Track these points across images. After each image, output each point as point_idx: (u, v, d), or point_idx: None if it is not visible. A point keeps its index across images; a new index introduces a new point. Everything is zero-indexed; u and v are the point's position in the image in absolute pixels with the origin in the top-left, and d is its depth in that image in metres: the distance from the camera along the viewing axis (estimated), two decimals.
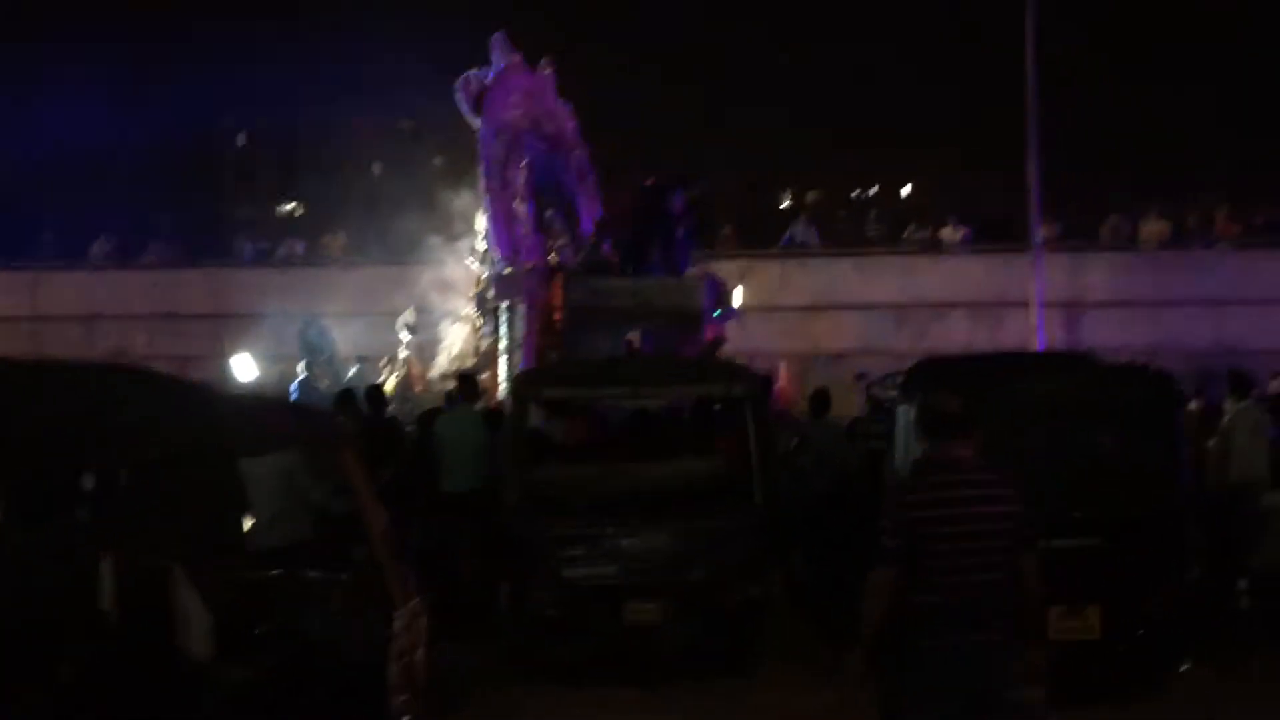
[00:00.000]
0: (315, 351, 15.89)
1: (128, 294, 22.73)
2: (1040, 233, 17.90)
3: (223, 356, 16.61)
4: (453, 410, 9.39)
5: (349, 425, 3.67)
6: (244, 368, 15.59)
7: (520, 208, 13.62)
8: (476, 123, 13.77)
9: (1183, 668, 6.49)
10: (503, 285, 12.99)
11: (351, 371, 15.54)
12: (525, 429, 7.11)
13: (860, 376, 9.36)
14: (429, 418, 10.07)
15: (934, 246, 21.28)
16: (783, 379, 14.00)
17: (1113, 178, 23.57)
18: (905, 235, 21.68)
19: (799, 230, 22.06)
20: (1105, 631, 6.25)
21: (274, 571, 4.15)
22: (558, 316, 12.83)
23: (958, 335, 20.57)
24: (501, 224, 13.39)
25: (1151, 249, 20.77)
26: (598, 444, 7.96)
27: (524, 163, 13.78)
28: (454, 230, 16.56)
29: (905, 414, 7.19)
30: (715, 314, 13.84)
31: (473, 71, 13.77)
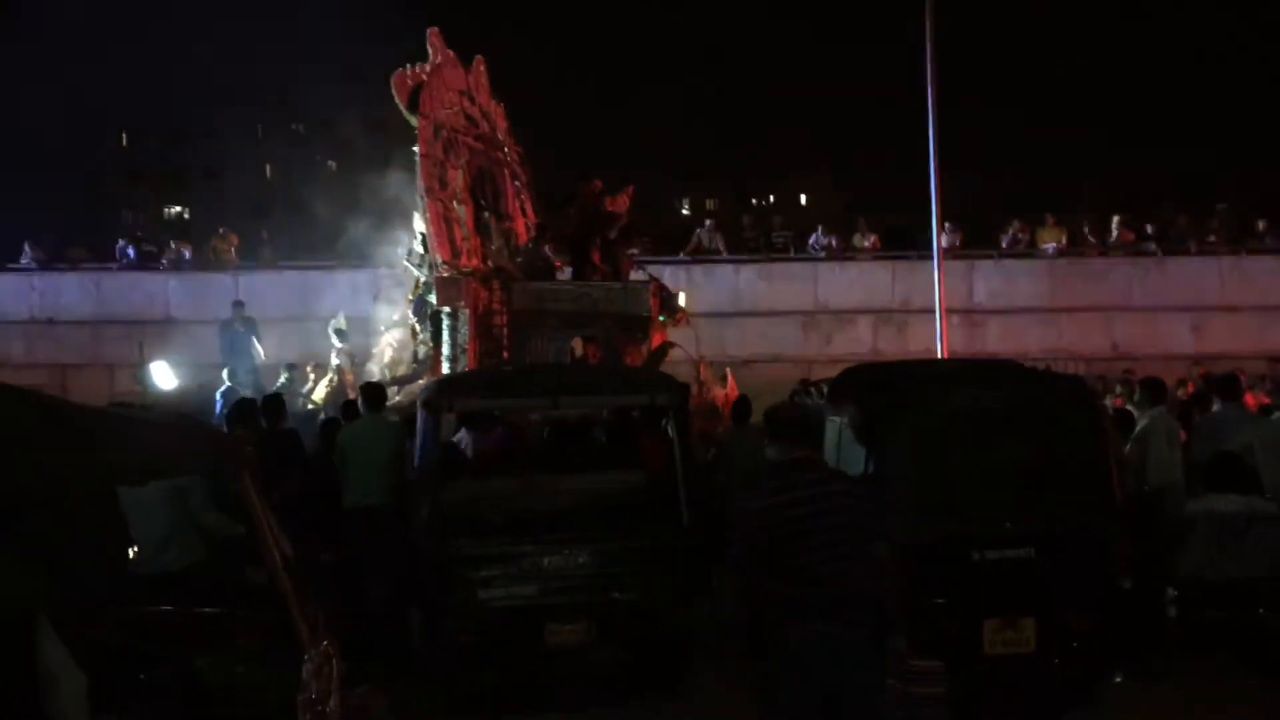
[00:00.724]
0: (237, 354, 15.21)
1: (2, 298, 21.56)
2: (942, 240, 18.04)
3: (139, 363, 15.85)
4: (356, 420, 8.90)
5: (246, 445, 3.26)
6: (162, 375, 14.82)
7: (459, 209, 13.16)
8: (413, 120, 13.25)
9: (1115, 680, 6.40)
10: (445, 289, 12.46)
11: (281, 379, 14.88)
12: (437, 441, 6.67)
13: (804, 384, 9.14)
14: (330, 428, 9.58)
15: (840, 253, 21.39)
16: (731, 387, 13.80)
17: (1011, 187, 24.05)
18: (812, 241, 21.72)
19: (704, 235, 21.97)
20: (1040, 644, 6.11)
21: (162, 607, 3.68)
22: (499, 321, 12.38)
23: (864, 341, 20.76)
24: (441, 225, 12.86)
25: (1048, 256, 21.23)
26: (515, 457, 7.56)
27: (461, 162, 13.33)
28: (377, 233, 16.08)
29: (834, 423, 6.99)
30: (669, 318, 13.62)
31: (407, 67, 13.25)
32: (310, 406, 14.33)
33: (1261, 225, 21.04)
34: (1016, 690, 6.38)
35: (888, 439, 6.38)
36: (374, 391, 8.75)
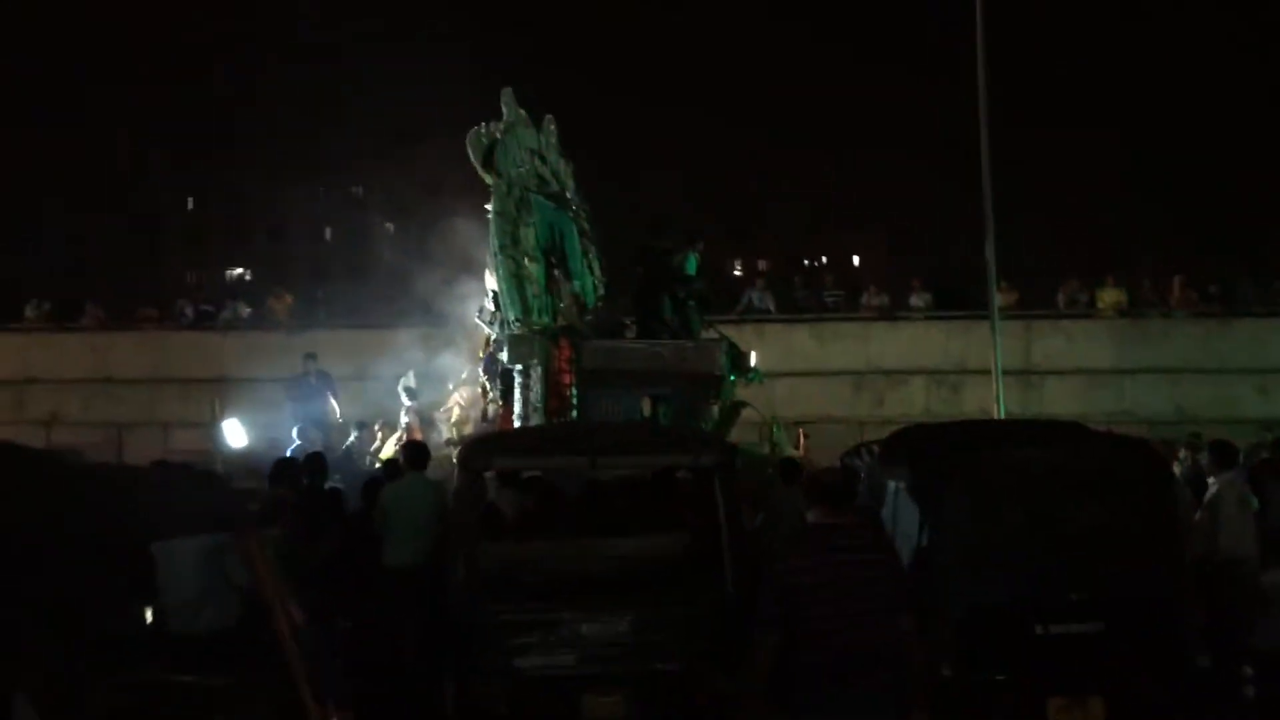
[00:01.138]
0: (308, 410, 15.15)
1: (62, 357, 21.88)
2: (998, 299, 17.71)
3: (213, 421, 15.90)
4: (399, 479, 8.78)
5: (249, 505, 3.14)
6: (234, 433, 14.84)
7: (531, 267, 13.14)
8: (488, 178, 13.33)
9: None
10: (517, 347, 12.37)
11: (352, 437, 14.81)
12: (474, 502, 6.49)
13: (858, 446, 8.88)
14: (373, 487, 9.47)
15: (891, 313, 21.10)
16: (803, 448, 13.53)
17: (1069, 247, 23.63)
18: (864, 301, 21.46)
19: (755, 296, 21.82)
20: None
21: (176, 674, 3.52)
22: (567, 380, 12.28)
23: (916, 402, 20.34)
24: (513, 283, 12.83)
25: (1108, 316, 20.76)
26: (554, 518, 7.35)
27: (533, 220, 13.34)
28: (438, 292, 16.16)
29: (890, 487, 6.72)
30: (741, 377, 13.45)
31: (482, 125, 13.40)
32: (378, 465, 14.29)
33: None
34: None
35: (943, 501, 6.09)
36: (416, 450, 8.63)
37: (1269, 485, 9.29)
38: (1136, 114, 23.87)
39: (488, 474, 6.50)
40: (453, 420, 15.02)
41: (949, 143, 20.61)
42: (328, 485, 9.82)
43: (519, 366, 12.26)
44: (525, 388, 12.27)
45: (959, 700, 5.83)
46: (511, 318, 12.59)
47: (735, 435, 13.28)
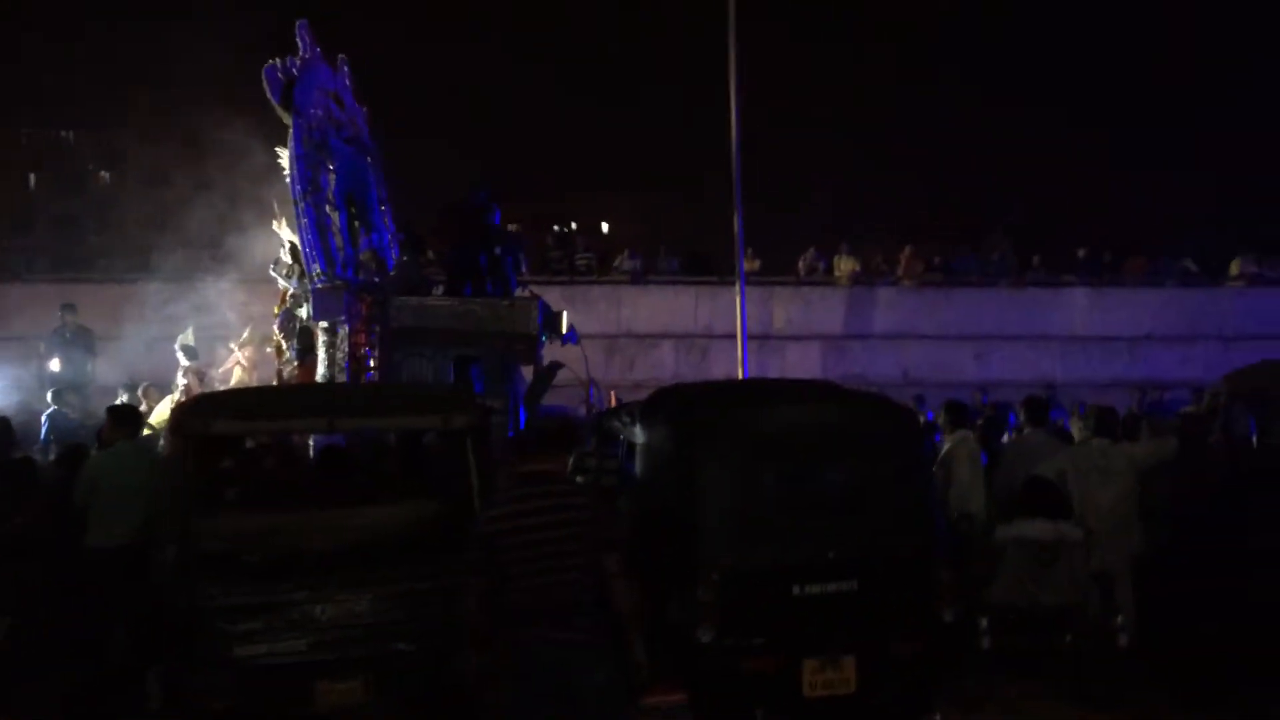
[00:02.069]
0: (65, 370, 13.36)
1: None
2: (743, 266, 18.07)
3: None
4: (107, 448, 7.74)
5: None
6: None
7: (332, 215, 12.04)
8: (286, 118, 12.07)
9: (934, 717, 6.09)
10: (323, 302, 11.27)
11: (122, 400, 13.14)
12: (189, 471, 5.71)
13: (616, 408, 8.56)
14: (74, 456, 8.36)
15: (642, 278, 21.16)
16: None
17: (809, 217, 24.50)
18: (616, 264, 21.42)
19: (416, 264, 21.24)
20: (861, 684, 5.73)
21: None
22: (362, 340, 11.26)
23: (666, 365, 20.54)
24: (315, 234, 11.70)
25: (843, 284, 21.68)
26: (287, 488, 6.63)
27: (332, 166, 12.21)
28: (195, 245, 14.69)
29: (648, 448, 6.46)
30: (556, 338, 12.76)
31: (277, 60, 12.05)
32: (147, 432, 12.83)
33: (1036, 260, 22.17)
34: None
35: (702, 462, 5.89)
36: (125, 414, 7.62)
37: (995, 444, 9.79)
38: (876, 91, 25.06)
39: (206, 439, 5.72)
40: (233, 382, 13.76)
41: (701, 114, 20.85)
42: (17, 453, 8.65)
43: (324, 324, 11.31)
44: (331, 346, 11.34)
45: (717, 665, 5.68)
46: (316, 271, 11.58)
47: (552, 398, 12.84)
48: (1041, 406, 8.81)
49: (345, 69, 13.42)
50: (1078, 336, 21.29)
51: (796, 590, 5.75)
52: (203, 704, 5.41)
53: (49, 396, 12.18)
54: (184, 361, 13.88)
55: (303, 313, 11.91)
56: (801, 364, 20.39)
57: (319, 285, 11.55)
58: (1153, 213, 24.43)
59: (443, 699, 5.93)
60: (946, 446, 8.56)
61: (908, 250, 22.07)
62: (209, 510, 5.88)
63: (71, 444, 9.10)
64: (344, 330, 11.26)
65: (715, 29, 17.40)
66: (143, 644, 6.06)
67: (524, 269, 13.76)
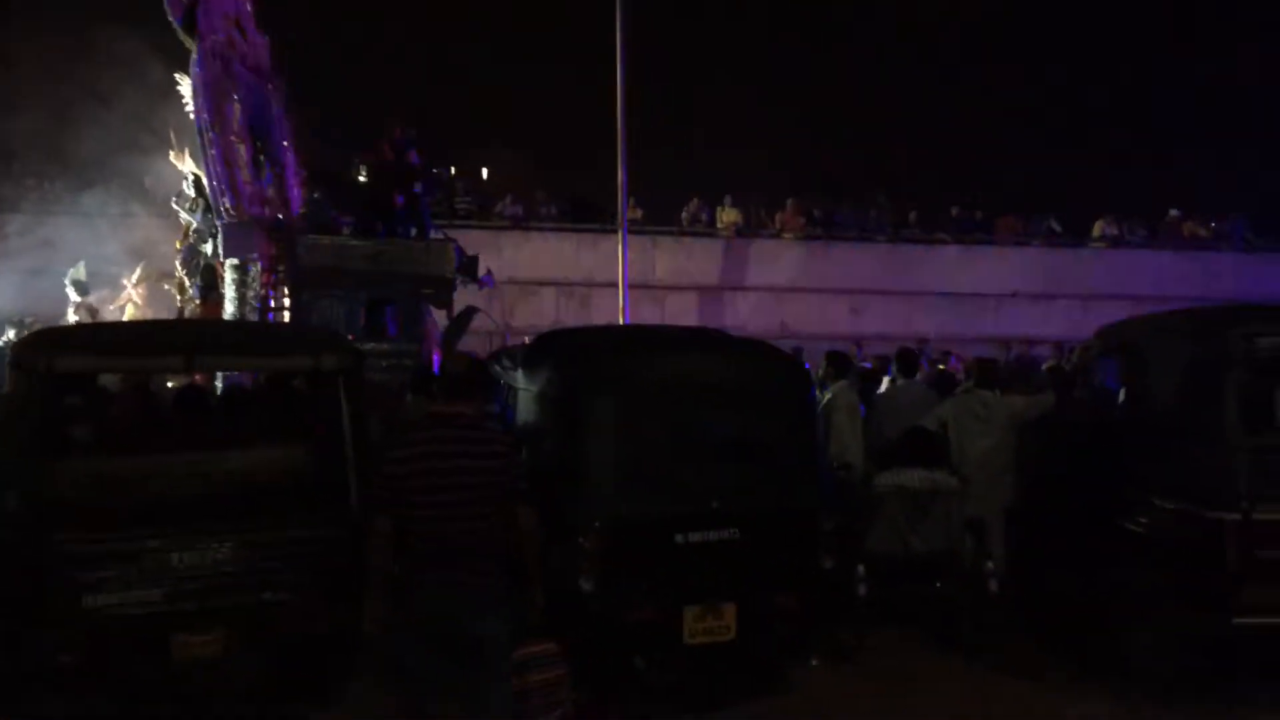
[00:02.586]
0: None
1: None
2: (625, 214, 17.91)
3: None
4: None
5: None
6: None
7: (240, 148, 11.27)
8: (190, 42, 11.27)
9: (812, 664, 6.13)
10: (234, 238, 10.73)
11: (6, 337, 12.09)
12: (32, 411, 5.27)
13: (495, 353, 8.31)
14: None
15: (524, 223, 20.79)
16: None
17: (693, 166, 24.41)
18: (498, 210, 20.97)
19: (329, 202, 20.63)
20: (741, 632, 5.71)
21: None
22: (268, 279, 10.63)
23: (546, 313, 20.29)
24: (223, 166, 11.00)
25: (725, 235, 21.72)
26: (141, 431, 6.22)
27: (237, 96, 11.43)
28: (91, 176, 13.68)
29: (528, 394, 6.27)
30: (471, 282, 12.29)
31: None
32: None
33: (913, 216, 22.58)
34: (713, 680, 5.97)
35: (587, 411, 5.74)
36: None
37: (872, 393, 9.89)
38: (764, 41, 24.98)
39: (51, 376, 5.29)
40: (126, 319, 12.93)
41: (588, 59, 20.43)
42: None
43: (233, 261, 10.75)
44: (241, 285, 10.82)
45: (599, 614, 5.58)
46: (225, 205, 10.94)
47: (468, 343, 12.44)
48: (913, 358, 8.93)
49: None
50: (949, 293, 21.82)
51: (679, 539, 5.67)
52: (49, 659, 5.05)
53: None
54: (74, 297, 13.12)
55: (207, 249, 11.37)
56: (682, 314, 20.40)
57: (227, 221, 10.95)
58: (1025, 173, 25.11)
59: (313, 652, 5.70)
60: (827, 397, 8.59)
61: (790, 203, 22.21)
62: (55, 453, 5.46)
63: None
64: (255, 268, 10.78)
65: None
66: None
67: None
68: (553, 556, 5.66)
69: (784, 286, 21.58)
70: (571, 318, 19.68)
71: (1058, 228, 22.91)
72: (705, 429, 5.77)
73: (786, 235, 21.91)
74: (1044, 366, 12.41)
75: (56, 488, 5.30)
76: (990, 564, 6.91)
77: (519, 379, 6.37)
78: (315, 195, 12.33)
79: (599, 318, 19.04)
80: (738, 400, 5.87)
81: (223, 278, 11.38)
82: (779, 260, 21.76)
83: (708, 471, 5.74)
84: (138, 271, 13.74)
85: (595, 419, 5.68)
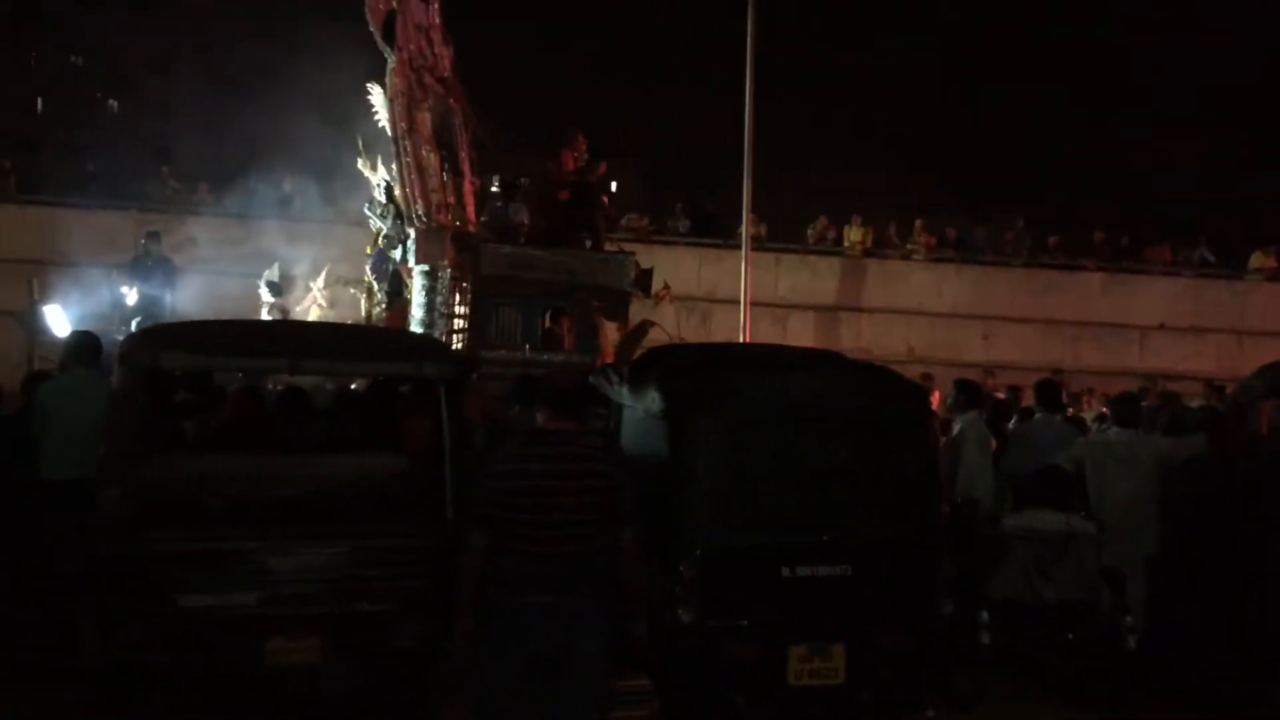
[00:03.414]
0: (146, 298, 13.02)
1: None
2: (749, 231, 17.61)
3: (33, 304, 13.37)
4: (62, 376, 7.31)
5: None
6: (57, 321, 12.54)
7: (431, 157, 11.58)
8: (388, 52, 11.64)
9: (928, 714, 5.71)
10: (426, 245, 11.02)
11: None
12: (136, 404, 5.28)
13: (605, 368, 8.16)
14: (33, 384, 7.93)
15: (648, 236, 20.63)
16: None
17: (820, 184, 23.95)
18: (624, 222, 20.89)
19: (513, 211, 20.81)
20: (850, 675, 5.33)
21: None
22: (465, 286, 10.94)
23: (666, 326, 20.08)
24: (416, 174, 11.35)
25: (853, 255, 21.18)
26: (243, 431, 6.20)
27: (427, 105, 11.75)
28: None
29: (634, 411, 6.03)
30: (647, 296, 12.47)
31: None
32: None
33: (1053, 241, 21.63)
34: None
35: (693, 431, 5.46)
36: (85, 341, 7.17)
37: (1003, 427, 9.35)
38: (900, 59, 24.41)
39: (157, 373, 5.29)
40: (316, 320, 13.39)
41: (714, 75, 20.27)
42: None
43: (424, 267, 11.02)
44: (431, 290, 11.10)
45: (697, 648, 5.29)
46: (419, 211, 11.21)
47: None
48: (1055, 391, 8.38)
49: (436, 6, 12.87)
50: (1089, 323, 20.81)
51: (786, 572, 5.34)
52: (141, 656, 5.02)
53: (133, 328, 11.69)
54: (268, 298, 13.52)
55: (396, 255, 11.58)
56: (803, 334, 19.93)
57: (420, 227, 11.14)
58: (1176, 199, 23.83)
59: (402, 664, 5.56)
60: (956, 428, 8.13)
61: (919, 223, 21.55)
62: (157, 449, 5.46)
63: (35, 371, 8.68)
64: (445, 275, 10.92)
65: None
66: (84, 587, 5.65)
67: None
68: (650, 585, 5.40)
69: (912, 309, 20.90)
70: (691, 334, 19.39)
71: (1211, 257, 21.62)
72: (819, 456, 5.42)
73: (917, 256, 21.24)
74: (1204, 405, 11.61)
75: (157, 485, 5.28)
76: (1129, 618, 6.37)
77: (625, 395, 6.14)
78: (496, 204, 12.48)
79: (719, 335, 18.73)
80: (854, 427, 5.51)
81: (407, 284, 11.63)
82: (907, 282, 21.09)
83: (820, 501, 5.40)
84: (323, 275, 14.11)
85: (701, 440, 5.39)
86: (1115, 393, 10.96)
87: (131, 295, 13.52)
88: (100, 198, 19.17)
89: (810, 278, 20.93)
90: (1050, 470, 6.76)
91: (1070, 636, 6.53)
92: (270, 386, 7.20)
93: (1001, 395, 11.07)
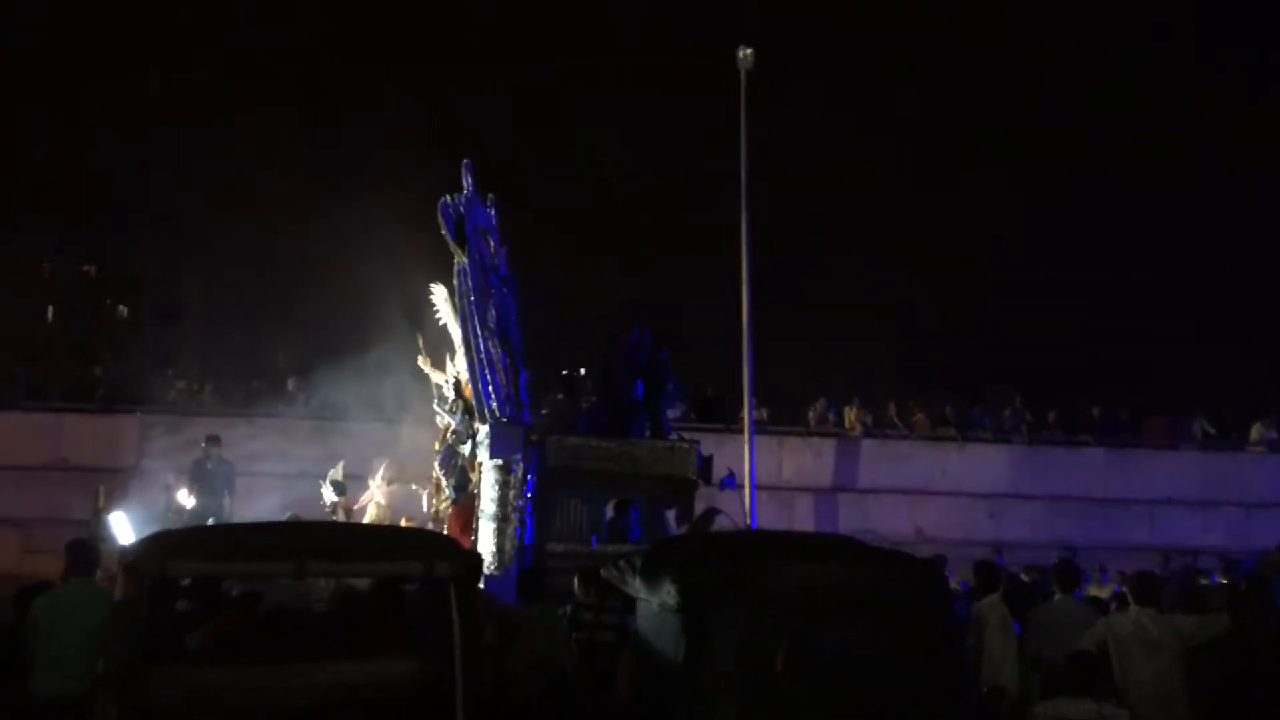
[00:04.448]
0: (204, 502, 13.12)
1: None
2: (752, 414, 17.67)
3: (99, 512, 13.46)
4: (57, 586, 7.15)
5: None
6: (121, 527, 12.50)
7: (497, 352, 11.82)
8: (459, 253, 11.98)
9: None
10: (501, 439, 11.07)
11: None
12: (138, 615, 5.14)
13: (615, 561, 8.08)
14: (27, 597, 7.74)
15: None
16: None
17: (817, 366, 24.23)
18: None
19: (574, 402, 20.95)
20: None
21: None
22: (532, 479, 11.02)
23: (733, 514, 19.82)
24: (490, 370, 11.52)
25: (854, 436, 21.20)
26: (250, 638, 6.02)
27: (492, 302, 12.05)
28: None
29: (647, 604, 5.88)
30: (721, 484, 12.55)
31: (449, 196, 12.10)
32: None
33: (1051, 417, 21.71)
34: None
35: (708, 625, 5.31)
36: (80, 550, 7.04)
37: (1025, 609, 9.12)
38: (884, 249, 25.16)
39: (160, 581, 5.18)
40: (368, 519, 13.33)
41: (709, 261, 20.83)
42: None
43: (497, 462, 11.06)
44: (504, 485, 11.07)
45: None
46: (494, 407, 11.36)
47: None
48: (1074, 571, 8.22)
49: (493, 207, 13.37)
50: (1096, 498, 20.64)
51: None
52: None
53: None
54: (333, 497, 13.47)
55: (465, 449, 11.67)
56: (809, 516, 19.74)
57: (494, 422, 11.32)
58: (1170, 372, 24.10)
59: None
60: (976, 612, 7.94)
61: (914, 404, 21.69)
62: (159, 661, 5.28)
63: (29, 584, 8.49)
64: (520, 469, 10.98)
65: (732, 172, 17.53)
66: None
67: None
68: None
69: (917, 489, 20.77)
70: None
71: (1211, 429, 21.67)
72: (837, 647, 5.25)
73: (915, 436, 21.28)
74: (1215, 580, 11.38)
75: (158, 698, 5.08)
76: None
77: (638, 588, 6.00)
78: (559, 396, 12.58)
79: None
80: (872, 614, 5.36)
81: (473, 479, 11.68)
82: (910, 462, 21.04)
83: (841, 694, 5.19)
84: (380, 471, 14.12)
85: (716, 635, 5.24)
86: (1129, 570, 10.78)
87: (184, 497, 13.55)
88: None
89: (813, 459, 20.89)
90: (1081, 655, 6.54)
91: None
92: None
93: (1024, 578, 10.83)
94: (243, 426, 17.75)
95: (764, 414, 20.38)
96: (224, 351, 21.47)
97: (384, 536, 6.68)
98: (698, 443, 12.45)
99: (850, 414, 21.47)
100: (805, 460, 20.73)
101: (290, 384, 19.58)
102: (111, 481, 16.81)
